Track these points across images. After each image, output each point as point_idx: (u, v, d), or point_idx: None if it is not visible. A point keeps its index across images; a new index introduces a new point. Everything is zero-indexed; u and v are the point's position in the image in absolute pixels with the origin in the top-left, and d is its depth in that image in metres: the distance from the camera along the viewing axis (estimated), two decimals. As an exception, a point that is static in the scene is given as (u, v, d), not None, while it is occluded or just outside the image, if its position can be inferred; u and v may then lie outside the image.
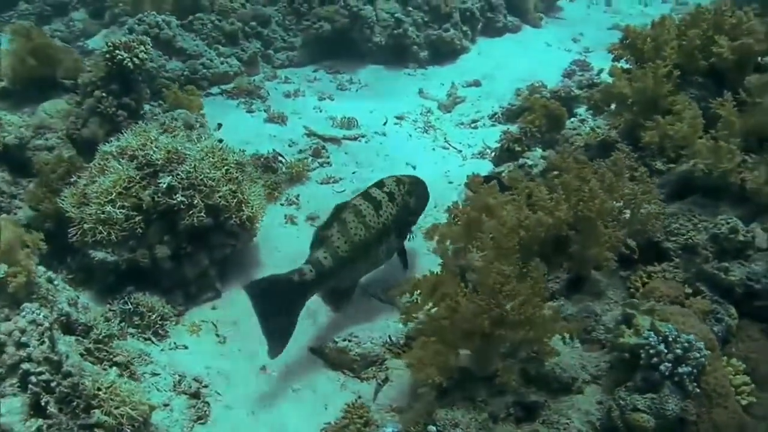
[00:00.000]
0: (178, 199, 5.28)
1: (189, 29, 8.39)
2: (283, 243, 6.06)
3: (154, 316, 5.26)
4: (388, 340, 5.28)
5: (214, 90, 8.10)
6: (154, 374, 4.98)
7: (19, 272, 4.31)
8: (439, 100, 8.18)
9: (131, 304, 5.28)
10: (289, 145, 7.24)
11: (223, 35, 8.46)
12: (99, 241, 5.29)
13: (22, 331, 4.16)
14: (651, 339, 3.69)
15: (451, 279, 3.92)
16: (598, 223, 4.42)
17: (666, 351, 3.64)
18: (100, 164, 5.52)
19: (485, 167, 6.89)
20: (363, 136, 7.52)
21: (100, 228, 5.26)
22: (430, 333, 3.94)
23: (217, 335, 5.36)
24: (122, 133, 5.71)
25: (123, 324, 5.16)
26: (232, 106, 7.90)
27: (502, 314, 3.68)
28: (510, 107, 7.72)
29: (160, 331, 5.28)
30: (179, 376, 4.98)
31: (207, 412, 4.79)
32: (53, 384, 4.13)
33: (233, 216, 5.46)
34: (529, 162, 6.08)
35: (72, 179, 5.57)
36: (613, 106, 5.90)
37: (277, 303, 4.82)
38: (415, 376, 3.80)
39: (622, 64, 5.93)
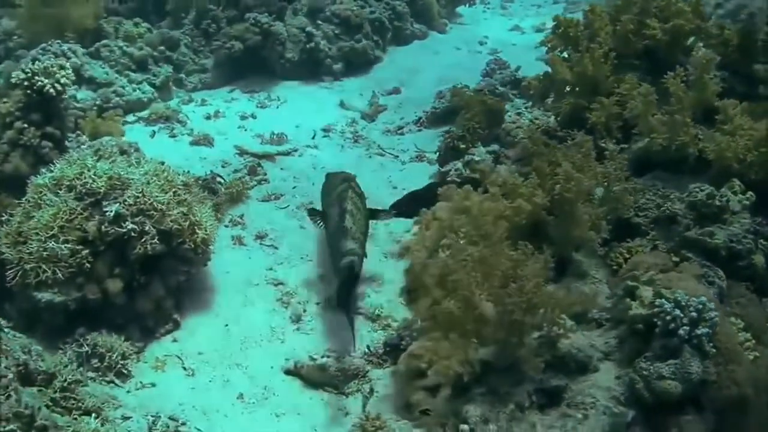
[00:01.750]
0: (128, 227, 4.78)
1: (96, 57, 7.78)
2: (234, 265, 5.63)
3: (114, 356, 4.72)
4: (367, 350, 4.99)
5: (130, 118, 7.53)
6: (126, 418, 4.45)
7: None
8: (361, 110, 7.95)
9: (87, 345, 4.74)
10: (223, 166, 6.80)
11: (132, 61, 7.90)
12: (43, 282, 4.71)
13: (-15, 387, 3.62)
14: (665, 306, 3.59)
15: (461, 268, 3.68)
16: (578, 204, 4.33)
17: (682, 315, 3.56)
18: (34, 198, 4.94)
19: (426, 170, 6.75)
20: (295, 151, 7.17)
21: (44, 267, 4.69)
22: (440, 326, 3.70)
23: (184, 368, 4.87)
24: (53, 164, 5.17)
25: (81, 368, 4.61)
26: (153, 132, 7.37)
27: (530, 299, 3.49)
28: (434, 111, 7.59)
29: (123, 371, 4.75)
30: (153, 417, 4.47)
31: (190, 452, 4.35)
32: (29, 441, 3.61)
33: (187, 240, 5.01)
34: (476, 158, 5.94)
35: (2, 218, 4.97)
36: (551, 95, 5.93)
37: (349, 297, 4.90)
38: (435, 370, 3.52)
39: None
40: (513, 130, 6.13)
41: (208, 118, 7.84)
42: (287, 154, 7.04)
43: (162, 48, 8.28)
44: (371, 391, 4.75)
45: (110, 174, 4.93)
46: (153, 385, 4.73)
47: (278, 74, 8.66)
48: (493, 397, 3.63)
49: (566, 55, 5.76)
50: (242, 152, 6.96)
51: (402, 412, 4.52)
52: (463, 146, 5.98)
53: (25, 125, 5.54)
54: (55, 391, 4.16)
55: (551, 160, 4.51)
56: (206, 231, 5.09)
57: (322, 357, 4.84)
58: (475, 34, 9.97)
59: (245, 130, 7.65)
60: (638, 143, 5.06)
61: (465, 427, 3.51)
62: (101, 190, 4.87)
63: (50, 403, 4.11)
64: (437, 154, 6.33)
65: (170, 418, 4.48)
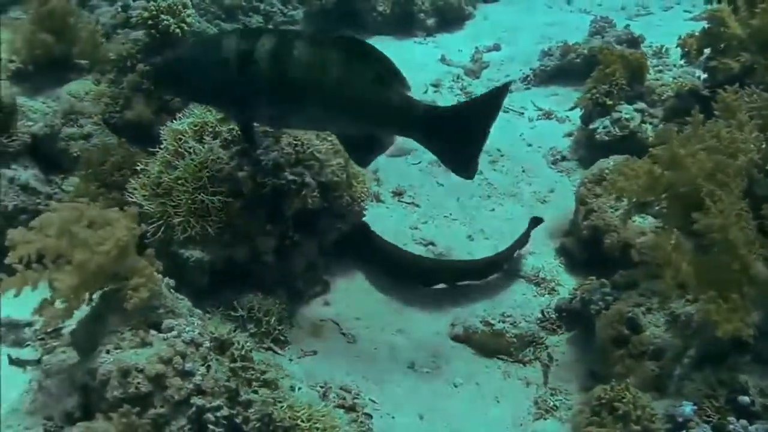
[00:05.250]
0: (288, 179, 4.08)
1: (186, 5, 6.96)
2: (377, 223, 4.86)
3: (272, 320, 4.06)
4: (541, 315, 4.36)
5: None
6: (293, 389, 3.79)
7: (141, 285, 3.04)
8: (464, 66, 7.20)
9: (242, 309, 4.06)
10: (340, 119, 6.06)
11: (221, 10, 7.11)
12: (191, 238, 4.02)
13: (183, 357, 2.94)
14: None
15: (734, 224, 3.03)
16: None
17: None
18: (173, 146, 4.21)
19: (558, 128, 6.08)
20: (413, 105, 6.40)
21: (192, 221, 3.99)
22: (712, 286, 3.08)
23: (344, 334, 4.23)
24: (187, 110, 4.42)
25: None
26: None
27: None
28: (543, 68, 6.88)
29: (279, 338, 4.10)
30: (322, 387, 3.83)
31: (370, 426, 3.70)
32: (238, 420, 2.95)
33: (344, 194, 4.32)
34: (625, 116, 5.28)
35: (136, 168, 4.23)
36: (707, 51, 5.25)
37: None
38: (723, 331, 2.91)
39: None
40: (658, 88, 5.47)
41: (307, 70, 7.03)
42: (405, 108, 6.29)
43: (249, -3, 7.49)
44: (550, 358, 4.16)
45: (261, 120, 4.21)
46: (314, 352, 4.08)
47: (369, 28, 7.86)
48: (762, 366, 3.05)
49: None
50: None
51: (587, 380, 3.98)
52: (610, 103, 5.30)
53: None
54: (234, 360, 3.48)
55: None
56: (364, 184, 4.40)
57: (499, 322, 4.22)
58: (558, -8, 9.19)
59: (350, 82, 6.86)
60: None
61: (745, 399, 2.91)
62: (252, 138, 4.15)
63: (230, 374, 3.44)
64: (581, 111, 5.63)
65: (341, 389, 3.85)
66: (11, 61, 4.93)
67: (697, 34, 5.16)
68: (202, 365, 2.96)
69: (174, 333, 3.00)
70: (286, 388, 3.71)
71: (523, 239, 4.66)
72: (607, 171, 4.61)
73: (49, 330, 3.98)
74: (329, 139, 4.30)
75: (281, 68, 3.42)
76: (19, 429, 3.12)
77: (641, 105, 5.38)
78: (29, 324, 4.00)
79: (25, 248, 2.85)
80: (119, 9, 6.29)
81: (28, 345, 3.93)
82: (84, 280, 2.92)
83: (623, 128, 5.22)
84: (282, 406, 3.03)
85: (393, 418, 3.76)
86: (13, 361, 3.82)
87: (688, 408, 2.99)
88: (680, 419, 3.00)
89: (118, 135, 4.78)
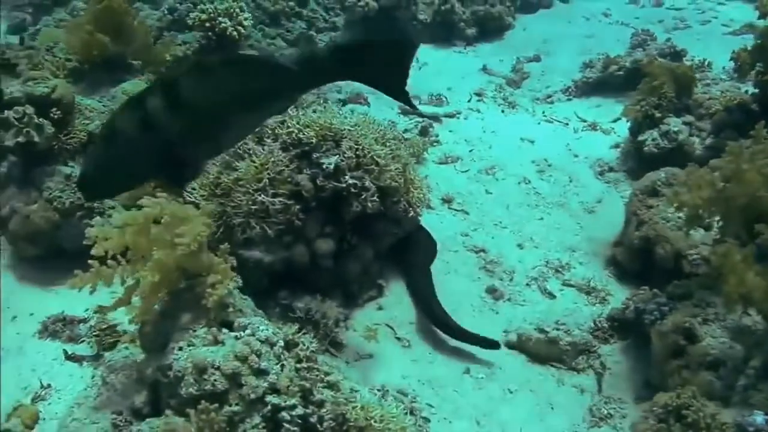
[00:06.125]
0: (348, 182, 4.10)
1: (232, 8, 7.03)
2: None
3: (330, 323, 4.08)
4: (593, 324, 4.36)
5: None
6: (353, 391, 3.81)
7: (219, 281, 3.06)
8: (505, 76, 7.23)
9: (300, 311, 4.07)
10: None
11: (265, 15, 7.16)
12: (251, 238, 4.05)
13: (259, 355, 2.96)
14: None
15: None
16: None
17: None
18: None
19: (604, 140, 6.09)
20: (459, 113, 6.46)
21: (253, 222, 4.02)
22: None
23: (398, 338, 4.23)
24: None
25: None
26: (297, 89, 6.61)
27: None
28: (585, 80, 6.90)
29: (335, 341, 4.11)
30: (379, 390, 3.85)
31: (428, 430, 3.71)
32: (313, 419, 2.96)
33: (401, 199, 4.34)
34: (673, 128, 5.29)
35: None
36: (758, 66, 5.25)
37: None
38: None
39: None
40: (706, 102, 5.47)
41: (351, 76, 7.07)
42: (452, 116, 6.34)
43: (291, 3, 7.51)
44: (603, 367, 4.16)
45: (321, 122, 4.24)
46: (370, 356, 4.09)
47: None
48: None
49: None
50: (406, 111, 6.25)
51: (641, 389, 3.99)
52: (659, 115, 5.32)
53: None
54: (299, 361, 3.50)
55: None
56: (421, 190, 4.42)
57: (554, 329, 4.22)
58: (594, 6, 9.17)
59: (394, 90, 6.89)
60: None
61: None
62: (312, 141, 4.18)
63: (295, 375, 3.46)
64: (627, 122, 5.65)
65: (399, 392, 3.86)
66: (68, 60, 5.00)
67: (749, 48, 5.18)
68: (276, 364, 2.98)
69: (248, 331, 3.02)
70: (346, 390, 3.76)
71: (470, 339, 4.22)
72: (658, 183, 4.63)
73: (105, 327, 4.08)
74: (388, 144, 4.34)
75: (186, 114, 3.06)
76: (86, 423, 3.13)
77: (689, 118, 5.39)
78: (84, 320, 4.08)
79: (105, 244, 2.88)
80: (165, 11, 6.38)
81: (83, 341, 3.98)
82: (163, 277, 2.95)
83: (672, 141, 5.24)
84: (354, 406, 3.02)
85: (450, 422, 3.76)
86: (69, 357, 3.87)
87: (759, 417, 2.97)
88: (751, 429, 2.99)
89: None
